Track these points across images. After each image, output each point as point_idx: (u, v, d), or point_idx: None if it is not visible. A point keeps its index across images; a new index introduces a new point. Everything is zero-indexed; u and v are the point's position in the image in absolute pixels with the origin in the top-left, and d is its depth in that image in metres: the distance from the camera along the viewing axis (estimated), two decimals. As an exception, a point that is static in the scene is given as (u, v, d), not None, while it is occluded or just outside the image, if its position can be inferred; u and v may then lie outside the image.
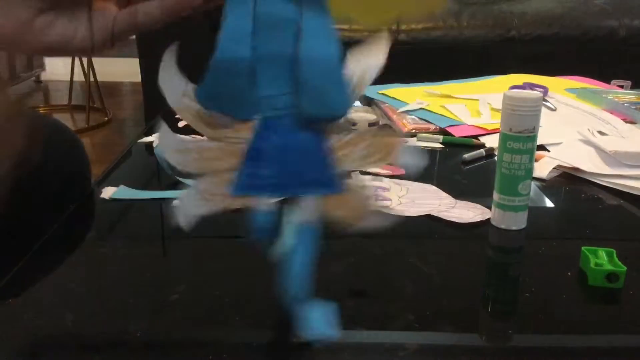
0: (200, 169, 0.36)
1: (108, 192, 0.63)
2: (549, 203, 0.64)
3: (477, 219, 0.57)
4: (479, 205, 0.60)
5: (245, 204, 0.36)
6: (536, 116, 0.53)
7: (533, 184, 0.67)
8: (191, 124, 0.36)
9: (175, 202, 0.35)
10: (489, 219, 0.57)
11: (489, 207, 0.57)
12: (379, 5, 0.39)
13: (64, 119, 2.55)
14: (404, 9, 0.39)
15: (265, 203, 0.36)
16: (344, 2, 0.38)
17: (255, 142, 0.35)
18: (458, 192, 0.67)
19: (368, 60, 0.37)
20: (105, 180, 0.67)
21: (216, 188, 0.36)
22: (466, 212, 0.59)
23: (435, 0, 0.39)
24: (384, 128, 0.88)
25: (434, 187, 0.65)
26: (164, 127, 0.35)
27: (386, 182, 0.65)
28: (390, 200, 0.61)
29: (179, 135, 0.36)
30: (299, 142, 0.35)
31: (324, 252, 0.53)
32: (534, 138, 0.54)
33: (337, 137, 0.36)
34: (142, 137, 0.83)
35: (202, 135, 0.36)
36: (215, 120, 0.36)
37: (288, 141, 0.35)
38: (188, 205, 0.35)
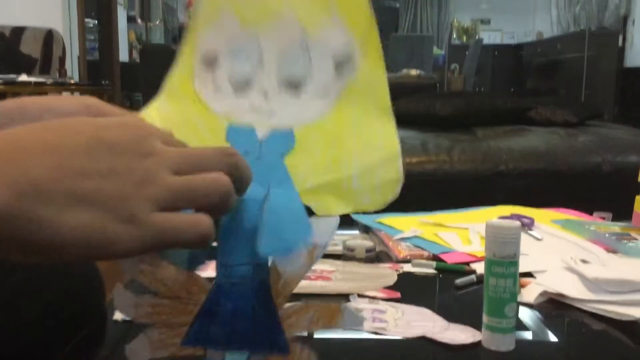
0: (152, 321, 0.39)
1: (120, 315, 0.66)
2: (536, 326, 0.67)
3: (469, 340, 0.61)
4: (470, 328, 0.63)
5: (195, 354, 0.39)
6: (517, 243, 0.59)
7: (522, 308, 0.71)
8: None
9: (127, 347, 0.39)
10: (480, 341, 0.60)
11: (480, 330, 0.61)
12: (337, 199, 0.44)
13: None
14: (360, 203, 0.45)
15: (215, 354, 0.39)
16: (307, 193, 0.43)
17: (208, 303, 0.39)
18: (451, 315, 0.71)
19: (325, 224, 0.42)
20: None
21: (167, 338, 0.39)
22: (459, 334, 0.62)
23: (389, 191, 0.44)
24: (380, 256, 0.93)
25: (428, 310, 0.69)
26: (118, 286, 0.39)
27: (382, 305, 0.69)
28: (387, 322, 0.65)
29: (131, 293, 0.40)
30: (251, 309, 0.39)
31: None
32: (515, 263, 0.59)
33: (287, 305, 0.40)
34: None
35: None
36: (169, 278, 0.40)
37: (240, 307, 0.38)
38: (138, 350, 0.39)
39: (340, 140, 0.44)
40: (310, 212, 0.42)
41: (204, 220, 0.33)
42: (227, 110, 0.44)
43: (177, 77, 0.48)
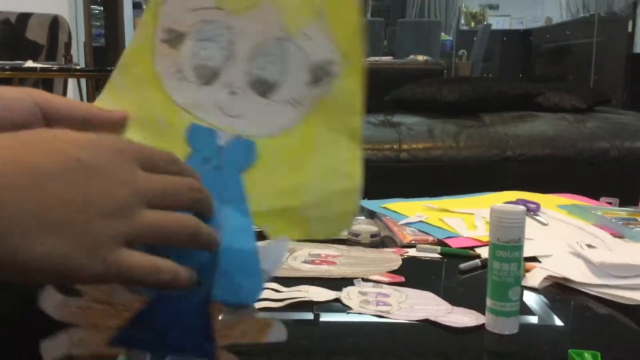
0: (78, 322, 0.38)
1: None
2: (540, 310, 0.67)
3: (473, 323, 0.61)
4: (474, 311, 0.63)
5: (116, 354, 0.38)
6: (521, 227, 0.58)
7: (526, 292, 0.71)
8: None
9: (42, 344, 0.37)
10: (483, 324, 0.60)
11: (484, 313, 0.61)
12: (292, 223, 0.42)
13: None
14: (313, 232, 0.42)
15: (139, 356, 0.38)
16: (261, 216, 0.41)
17: (143, 311, 0.38)
18: (455, 299, 0.71)
19: (276, 249, 0.40)
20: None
21: (88, 337, 0.38)
22: (462, 317, 0.62)
23: (343, 223, 0.42)
24: (386, 237, 0.93)
25: (431, 294, 0.69)
26: (49, 287, 0.37)
27: (386, 289, 0.69)
28: (391, 305, 0.65)
29: (60, 294, 0.38)
30: (185, 321, 0.38)
31: (326, 354, 0.56)
32: (520, 247, 0.59)
33: (220, 318, 0.39)
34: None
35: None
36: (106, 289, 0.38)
37: (174, 319, 0.38)
38: (54, 348, 0.37)
39: (303, 159, 0.42)
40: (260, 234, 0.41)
41: (165, 268, 0.33)
42: (188, 103, 0.41)
43: (135, 52, 0.43)
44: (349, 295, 0.67)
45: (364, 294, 0.68)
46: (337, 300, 0.66)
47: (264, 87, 0.41)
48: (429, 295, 0.69)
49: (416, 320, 0.61)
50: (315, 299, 0.66)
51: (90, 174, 0.31)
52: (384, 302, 0.66)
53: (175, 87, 0.41)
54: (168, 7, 0.42)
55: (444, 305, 0.66)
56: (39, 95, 0.41)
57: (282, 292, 0.67)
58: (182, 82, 0.41)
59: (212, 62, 0.41)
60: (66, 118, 0.40)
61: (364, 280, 0.73)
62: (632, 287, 0.69)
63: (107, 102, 0.42)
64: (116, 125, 0.40)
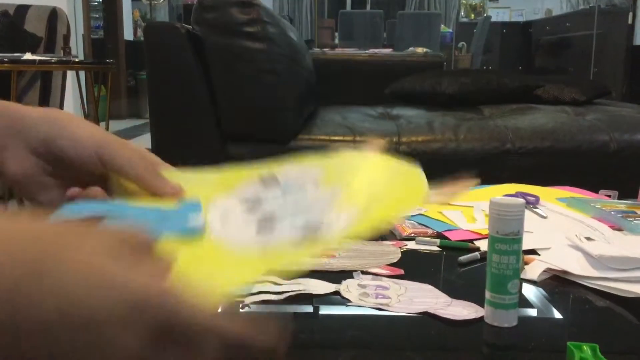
0: None
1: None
2: (539, 302, 0.67)
3: (471, 316, 0.61)
4: (473, 304, 0.63)
5: None
6: (520, 220, 0.58)
7: (525, 285, 0.71)
8: None
9: None
10: (482, 317, 0.60)
11: (483, 306, 0.61)
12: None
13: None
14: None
15: None
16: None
17: None
18: (454, 292, 0.71)
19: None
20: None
21: None
22: (461, 310, 0.62)
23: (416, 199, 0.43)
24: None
25: (430, 287, 0.69)
26: None
27: (386, 282, 0.70)
28: (390, 298, 0.65)
29: None
30: None
31: (325, 346, 0.57)
32: (519, 240, 0.59)
33: None
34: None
35: None
36: None
37: None
38: None
39: None
40: None
41: None
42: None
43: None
44: (348, 287, 0.68)
45: (363, 286, 0.68)
46: (337, 293, 0.66)
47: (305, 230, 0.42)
48: (428, 287, 0.69)
49: (415, 313, 0.62)
50: (314, 292, 0.66)
51: (104, 323, 0.29)
52: (383, 294, 0.66)
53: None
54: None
55: (443, 297, 0.66)
56: (103, 138, 0.42)
57: (282, 284, 0.67)
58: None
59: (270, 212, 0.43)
60: (120, 170, 0.41)
61: (363, 273, 0.73)
62: (631, 280, 0.70)
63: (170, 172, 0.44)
64: (165, 196, 0.41)
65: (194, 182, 0.44)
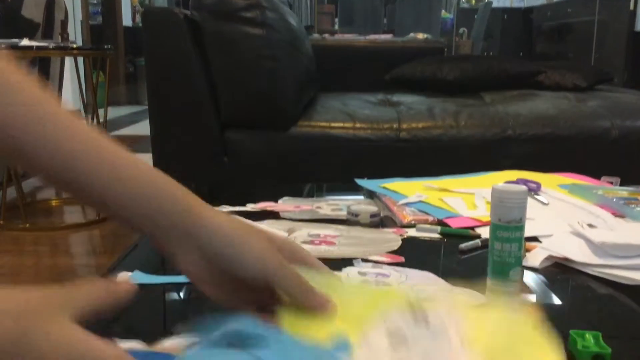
0: None
1: (123, 278, 0.66)
2: (540, 290, 0.67)
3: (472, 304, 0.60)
4: (474, 291, 0.63)
5: None
6: (522, 207, 0.58)
7: (526, 272, 0.70)
8: None
9: None
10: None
11: (484, 293, 0.60)
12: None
13: (76, 211, 2.61)
14: None
15: None
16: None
17: None
18: (455, 279, 0.70)
19: None
20: (117, 267, 0.70)
21: None
22: (462, 298, 0.62)
23: None
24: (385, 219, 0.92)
25: (431, 274, 0.68)
26: None
27: (386, 269, 0.69)
28: (391, 285, 0.64)
29: None
30: None
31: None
32: (521, 228, 0.58)
33: None
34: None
35: None
36: None
37: None
38: None
39: None
40: None
41: None
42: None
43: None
44: (348, 275, 0.67)
45: (363, 274, 0.68)
46: None
47: None
48: (428, 275, 0.68)
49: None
50: None
51: None
52: (384, 282, 0.65)
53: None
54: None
55: (443, 284, 0.65)
56: (270, 259, 0.46)
57: None
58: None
59: None
60: (281, 290, 0.46)
61: (363, 260, 0.72)
62: (634, 267, 0.69)
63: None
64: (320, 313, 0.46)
65: (343, 292, 0.48)
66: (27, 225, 2.30)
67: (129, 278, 0.66)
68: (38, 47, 2.26)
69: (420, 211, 0.93)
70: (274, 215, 0.94)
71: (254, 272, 0.45)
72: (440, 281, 0.66)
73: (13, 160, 0.45)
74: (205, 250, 0.45)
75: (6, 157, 0.45)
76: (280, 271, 0.46)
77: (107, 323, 0.57)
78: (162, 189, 0.46)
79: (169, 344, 0.50)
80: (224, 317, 0.44)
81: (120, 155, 0.46)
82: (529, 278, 0.69)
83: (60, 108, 0.46)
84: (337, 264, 0.70)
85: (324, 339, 0.45)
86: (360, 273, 0.68)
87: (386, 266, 0.70)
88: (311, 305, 0.46)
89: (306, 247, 0.78)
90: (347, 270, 0.69)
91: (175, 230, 0.45)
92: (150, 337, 0.50)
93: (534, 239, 0.80)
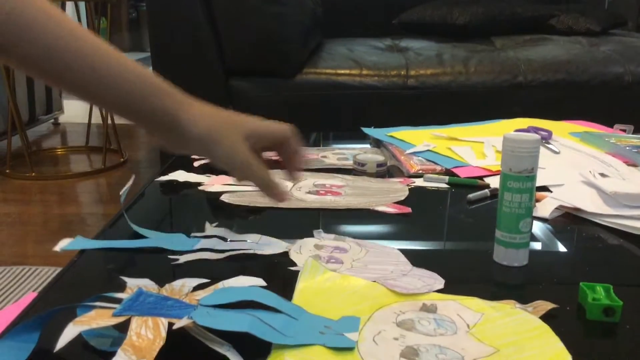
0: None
1: (62, 244, 0.61)
2: (550, 241, 0.66)
3: (424, 290, 0.52)
4: (434, 274, 0.56)
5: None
6: (535, 157, 0.56)
7: (536, 223, 0.69)
8: None
9: None
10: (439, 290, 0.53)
11: (492, 244, 0.59)
12: None
13: (81, 159, 2.61)
14: None
15: None
16: None
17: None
18: (462, 230, 0.69)
19: None
20: (118, 221, 0.69)
21: None
22: (416, 281, 0.55)
23: None
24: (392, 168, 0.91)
25: (396, 251, 0.62)
26: None
27: (348, 242, 0.64)
28: (342, 263, 0.59)
29: None
30: None
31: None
32: (533, 178, 0.56)
33: None
34: (158, 177, 0.86)
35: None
36: None
37: None
38: None
39: None
40: None
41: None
42: None
43: None
44: (300, 249, 0.62)
45: (319, 247, 0.62)
46: (286, 254, 0.60)
47: None
48: (393, 252, 0.62)
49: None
50: (260, 252, 0.60)
51: None
52: (336, 258, 0.60)
53: None
54: None
55: (403, 265, 0.58)
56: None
57: (230, 241, 0.63)
58: None
59: None
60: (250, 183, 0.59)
61: (326, 232, 0.66)
62: (646, 218, 0.68)
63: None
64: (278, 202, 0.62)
65: (363, 289, 0.52)
66: (34, 174, 2.30)
67: (70, 244, 0.61)
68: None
69: (428, 160, 0.92)
70: (278, 164, 0.92)
71: (222, 164, 0.57)
72: (402, 260, 0.59)
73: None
74: (181, 138, 0.55)
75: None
76: (246, 166, 0.57)
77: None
78: (150, 79, 0.55)
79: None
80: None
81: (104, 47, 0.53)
82: (539, 229, 0.68)
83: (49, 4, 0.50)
84: (295, 233, 0.64)
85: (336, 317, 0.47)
86: (316, 246, 0.62)
87: (349, 239, 0.64)
88: (270, 195, 0.59)
89: (311, 197, 0.77)
90: (302, 242, 0.63)
91: (156, 115, 0.55)
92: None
93: (545, 188, 0.78)
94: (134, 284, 0.52)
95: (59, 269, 0.59)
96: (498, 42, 1.91)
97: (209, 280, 0.52)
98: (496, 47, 1.85)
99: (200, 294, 0.49)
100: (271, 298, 0.48)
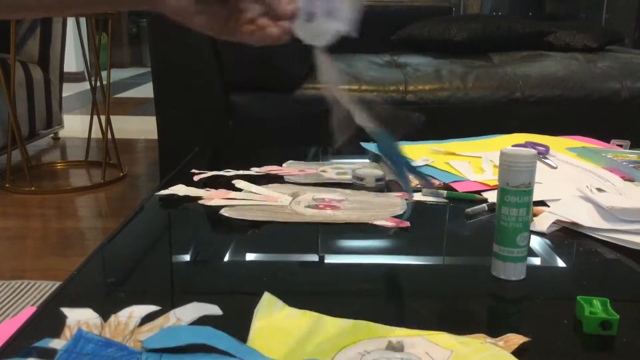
0: None
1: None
2: (548, 255, 0.66)
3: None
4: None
5: None
6: (532, 172, 0.56)
7: (533, 237, 0.69)
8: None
9: None
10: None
11: (490, 259, 0.60)
12: None
13: (81, 174, 2.61)
14: None
15: None
16: None
17: None
18: (460, 244, 0.70)
19: None
20: (118, 235, 0.70)
21: None
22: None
23: None
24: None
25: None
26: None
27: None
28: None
29: None
30: None
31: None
32: (530, 192, 0.57)
33: None
34: (158, 191, 0.86)
35: None
36: None
37: None
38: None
39: None
40: None
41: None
42: None
43: None
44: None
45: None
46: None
47: None
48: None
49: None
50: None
51: None
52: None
53: None
54: None
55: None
56: None
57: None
58: None
59: None
60: None
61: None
62: (643, 232, 0.68)
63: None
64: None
65: (325, 326, 0.48)
66: (33, 188, 2.30)
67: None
68: None
69: (427, 175, 0.92)
70: (278, 179, 0.93)
71: None
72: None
73: None
74: None
75: None
76: None
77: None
78: None
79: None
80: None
81: None
82: (536, 243, 0.68)
83: None
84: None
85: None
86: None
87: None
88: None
89: (311, 211, 0.78)
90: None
91: None
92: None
93: (542, 203, 0.79)
94: (74, 319, 0.48)
95: (57, 283, 0.59)
96: (496, 58, 1.93)
97: (159, 309, 0.50)
98: (494, 63, 1.87)
99: (146, 331, 0.46)
100: (224, 340, 0.43)
